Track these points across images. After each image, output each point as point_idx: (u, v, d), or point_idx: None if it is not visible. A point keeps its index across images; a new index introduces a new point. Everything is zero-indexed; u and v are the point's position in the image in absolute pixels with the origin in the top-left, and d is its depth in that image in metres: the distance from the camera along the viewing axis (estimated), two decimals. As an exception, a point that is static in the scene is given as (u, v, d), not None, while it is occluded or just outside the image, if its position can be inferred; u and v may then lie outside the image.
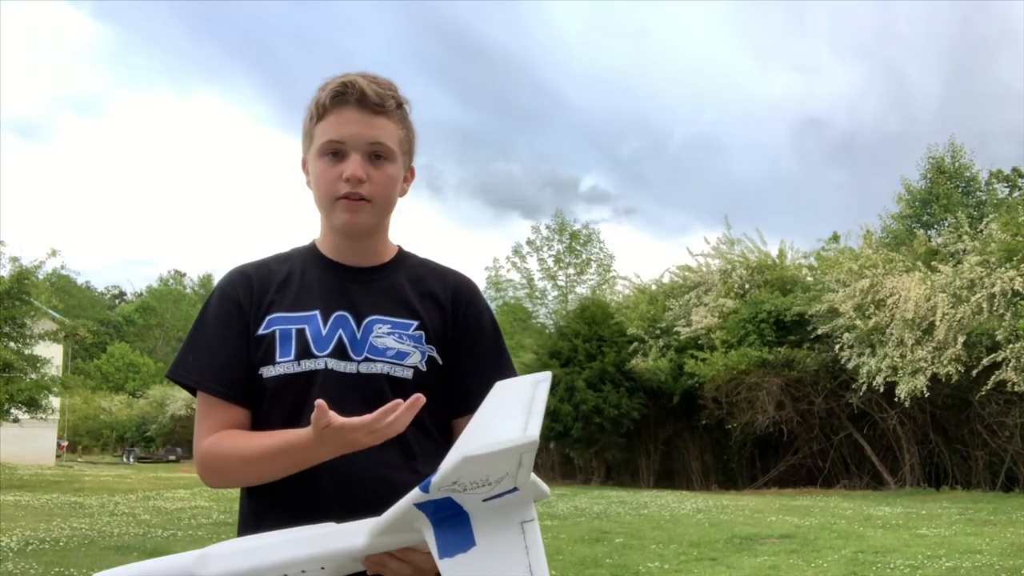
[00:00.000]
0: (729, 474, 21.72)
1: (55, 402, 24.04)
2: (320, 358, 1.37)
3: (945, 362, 15.36)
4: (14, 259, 20.33)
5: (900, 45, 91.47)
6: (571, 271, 38.84)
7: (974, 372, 15.16)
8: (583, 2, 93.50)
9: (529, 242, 39.01)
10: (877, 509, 13.03)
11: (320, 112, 1.40)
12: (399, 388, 1.37)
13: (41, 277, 21.29)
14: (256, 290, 1.43)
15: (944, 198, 25.22)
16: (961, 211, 21.29)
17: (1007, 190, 25.82)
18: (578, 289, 37.61)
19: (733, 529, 10.27)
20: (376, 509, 1.18)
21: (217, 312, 1.43)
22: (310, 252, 1.50)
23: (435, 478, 1.07)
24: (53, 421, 28.41)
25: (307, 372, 1.36)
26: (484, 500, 1.14)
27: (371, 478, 1.34)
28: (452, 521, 1.13)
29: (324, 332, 1.39)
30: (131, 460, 40.79)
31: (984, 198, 25.89)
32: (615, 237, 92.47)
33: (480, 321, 1.51)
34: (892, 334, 16.37)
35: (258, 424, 1.40)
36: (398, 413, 1.20)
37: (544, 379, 1.27)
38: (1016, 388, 14.66)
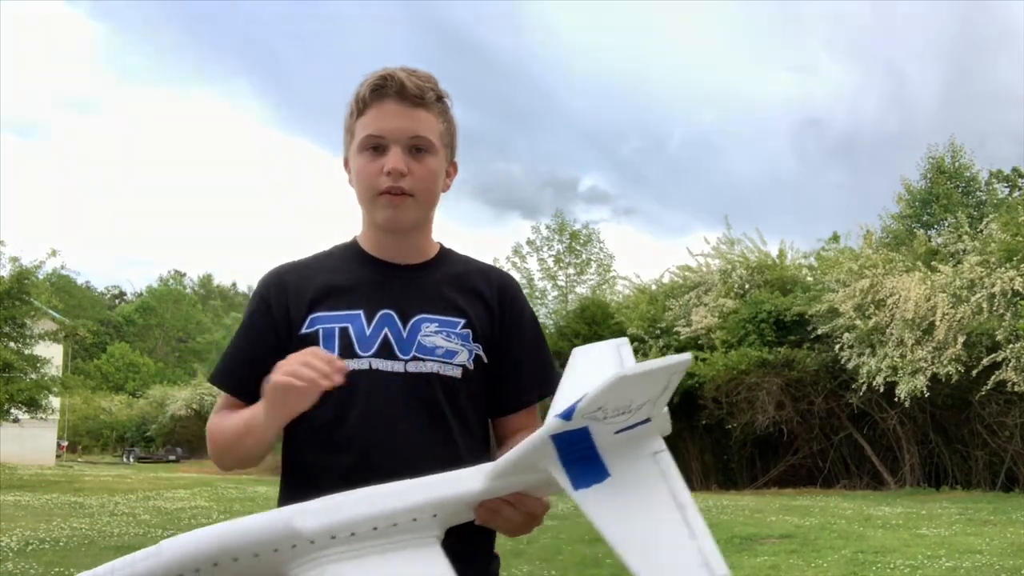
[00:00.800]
0: (729, 474, 21.71)
1: (55, 402, 24.06)
2: (364, 358, 1.35)
3: (945, 362, 15.36)
4: (14, 259, 20.36)
5: (899, 45, 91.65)
6: (571, 271, 38.86)
7: (974, 372, 15.16)
8: (582, 2, 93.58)
9: (529, 242, 39.04)
10: (877, 509, 13.03)
11: (360, 107, 1.39)
12: (448, 387, 1.38)
13: (41, 277, 21.29)
14: (292, 290, 1.41)
15: (944, 198, 25.22)
16: (961, 211, 21.29)
17: (1007, 190, 25.84)
18: (578, 289, 37.64)
19: (733, 529, 10.27)
20: None
21: (249, 315, 1.46)
22: (352, 249, 1.48)
23: (582, 403, 1.05)
24: (53, 421, 28.41)
25: (351, 372, 1.31)
26: (616, 432, 1.12)
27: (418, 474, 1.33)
28: (581, 456, 1.11)
29: (368, 331, 1.37)
30: (131, 460, 40.79)
31: (984, 198, 25.90)
32: (615, 237, 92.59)
33: (523, 319, 1.52)
34: (892, 334, 16.37)
35: (302, 421, 1.32)
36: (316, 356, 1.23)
37: (623, 343, 1.34)
38: (1016, 388, 14.66)
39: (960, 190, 26.07)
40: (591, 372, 1.28)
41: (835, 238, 23.31)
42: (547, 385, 1.47)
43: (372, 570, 1.10)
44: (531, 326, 1.52)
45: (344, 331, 1.36)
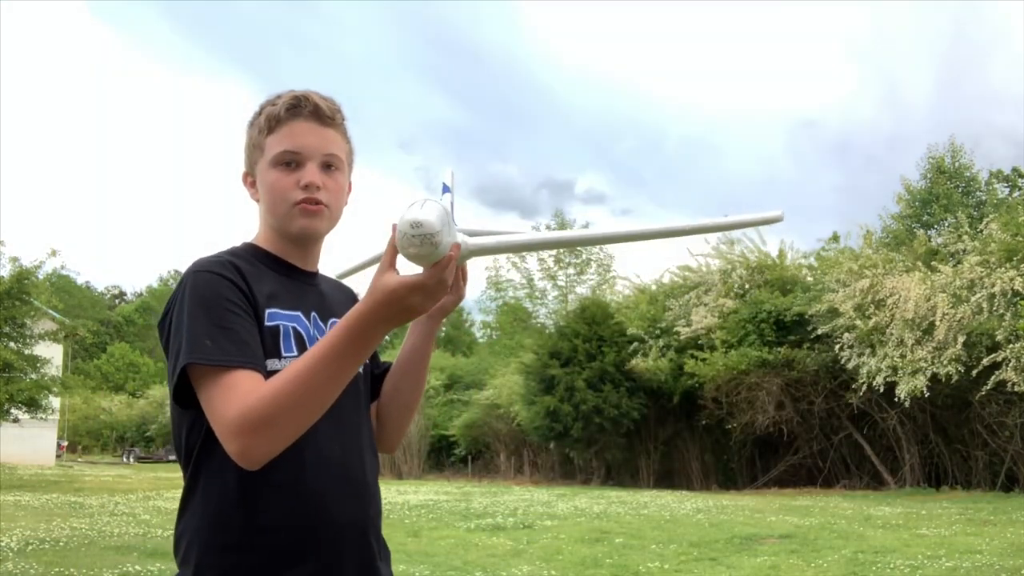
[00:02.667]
0: (729, 474, 21.72)
1: (55, 402, 24.05)
2: None
3: (945, 362, 15.36)
4: (14, 259, 20.35)
5: (893, 47, 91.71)
6: (571, 271, 38.86)
7: (974, 372, 15.16)
8: (578, 3, 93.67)
9: (529, 242, 39.00)
10: (877, 509, 13.03)
11: (272, 124, 1.45)
12: (360, 382, 1.53)
13: (41, 277, 21.27)
14: (252, 284, 1.41)
15: (944, 198, 25.23)
16: (961, 211, 21.31)
17: (1007, 190, 25.83)
18: (578, 289, 37.65)
19: (733, 529, 10.27)
20: (361, 494, 1.40)
21: (229, 296, 1.34)
22: (260, 252, 1.48)
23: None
24: (53, 421, 28.41)
25: None
26: None
27: (355, 462, 1.44)
28: None
29: (311, 332, 1.45)
30: (131, 460, 40.81)
31: (984, 198, 25.89)
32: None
33: None
34: (892, 334, 16.37)
35: None
36: (450, 268, 1.20)
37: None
38: (1016, 388, 14.66)
39: (960, 190, 26.07)
40: None
41: (835, 238, 23.32)
42: (386, 365, 1.69)
43: None
44: None
45: (295, 330, 1.43)
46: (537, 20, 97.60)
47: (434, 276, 1.19)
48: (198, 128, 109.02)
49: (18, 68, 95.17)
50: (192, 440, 1.38)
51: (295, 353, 1.38)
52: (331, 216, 1.48)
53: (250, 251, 1.49)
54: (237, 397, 1.24)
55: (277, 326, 1.40)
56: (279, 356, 1.37)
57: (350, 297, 1.64)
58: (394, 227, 1.19)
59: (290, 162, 1.44)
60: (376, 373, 1.65)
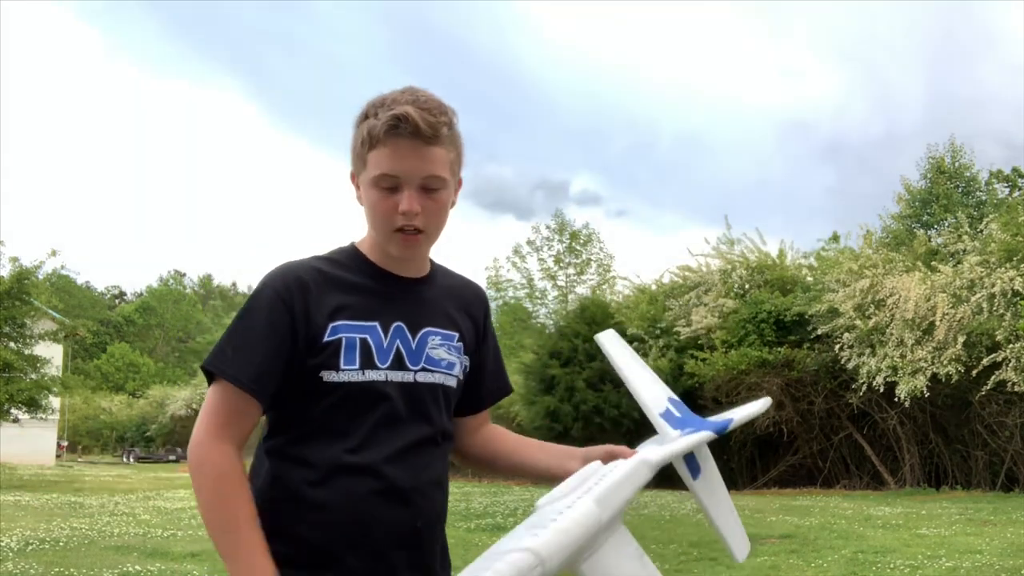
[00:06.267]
0: (729, 474, 21.68)
1: (55, 402, 24.07)
2: (382, 370, 1.44)
3: (945, 362, 15.36)
4: (14, 259, 20.39)
5: (885, 49, 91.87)
6: (571, 271, 38.87)
7: (974, 372, 15.16)
8: (570, 5, 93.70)
9: (529, 242, 39.07)
10: (877, 509, 13.03)
11: (372, 142, 1.43)
12: (446, 396, 1.53)
13: (41, 277, 21.33)
14: (315, 297, 1.43)
15: (944, 198, 25.22)
16: (961, 211, 21.29)
17: (1007, 190, 25.83)
18: (578, 289, 37.65)
19: (733, 529, 10.26)
20: (433, 523, 1.46)
21: (267, 314, 1.42)
22: (357, 257, 1.53)
23: (734, 423, 1.75)
24: (53, 421, 28.44)
25: (369, 382, 1.43)
26: None
27: (433, 488, 1.48)
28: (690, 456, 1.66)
29: (385, 344, 1.46)
30: (131, 460, 40.81)
31: (984, 198, 25.88)
32: (609, 238, 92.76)
33: (491, 330, 1.70)
34: (892, 334, 16.37)
35: (316, 421, 1.43)
36: None
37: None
38: (1016, 388, 14.66)
39: (960, 190, 26.06)
40: (637, 367, 1.87)
41: (835, 238, 23.31)
42: (507, 389, 1.73)
43: (624, 546, 1.29)
44: (495, 336, 1.72)
45: (364, 342, 1.44)
46: (529, 21, 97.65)
47: None
48: (198, 128, 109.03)
49: (18, 68, 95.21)
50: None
51: (356, 365, 1.42)
52: (430, 238, 1.49)
53: (348, 255, 1.53)
54: (226, 431, 1.38)
55: (339, 339, 1.42)
56: (336, 368, 1.41)
57: (476, 296, 1.66)
58: None
59: (390, 186, 1.43)
60: (488, 389, 1.67)
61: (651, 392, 1.80)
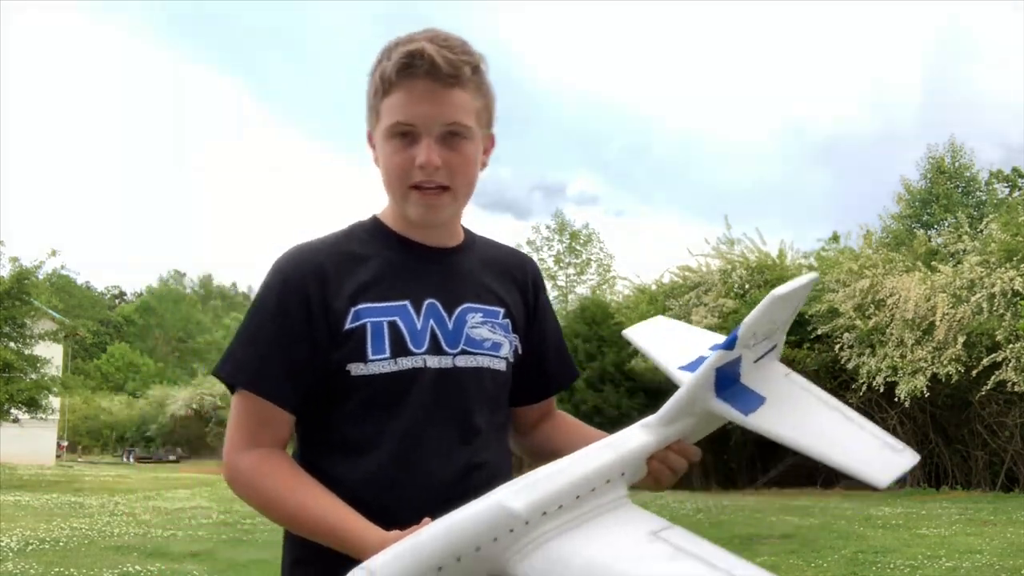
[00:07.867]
0: (729, 474, 21.70)
1: (55, 402, 24.09)
2: (418, 355, 1.24)
3: (945, 362, 15.35)
4: (14, 259, 20.39)
5: (880, 52, 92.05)
6: (571, 271, 38.90)
7: (974, 372, 15.16)
8: (569, 5, 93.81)
9: (529, 242, 39.07)
10: (877, 509, 13.03)
11: (385, 87, 1.23)
12: (494, 382, 1.31)
13: (41, 277, 21.33)
14: (333, 280, 1.24)
15: (944, 198, 25.24)
16: (961, 211, 21.30)
17: (1007, 190, 25.84)
18: (578, 289, 37.66)
19: (733, 529, 10.27)
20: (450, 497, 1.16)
21: (279, 306, 1.24)
22: (378, 229, 1.33)
23: (742, 330, 1.14)
24: (53, 421, 28.42)
25: (406, 371, 1.23)
26: (755, 360, 1.21)
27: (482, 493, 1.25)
28: (731, 389, 1.20)
29: (419, 325, 1.25)
30: (131, 460, 40.80)
31: (984, 198, 25.90)
32: (609, 239, 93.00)
33: (548, 306, 1.47)
34: (892, 334, 16.37)
35: (347, 420, 1.24)
36: None
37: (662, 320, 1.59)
38: (1016, 388, 14.66)
39: (960, 190, 26.09)
40: (674, 339, 1.43)
41: (835, 238, 23.32)
42: (572, 373, 1.48)
43: (593, 539, 1.10)
44: (553, 313, 1.48)
45: (393, 325, 1.23)
46: (524, 23, 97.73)
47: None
48: (198, 128, 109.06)
49: (18, 68, 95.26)
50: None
51: (387, 354, 1.22)
52: (456, 196, 1.28)
53: (370, 228, 1.33)
54: (248, 438, 1.23)
55: (364, 326, 1.22)
56: (364, 360, 1.22)
57: (524, 266, 1.43)
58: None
59: (404, 134, 1.23)
60: (549, 373, 1.44)
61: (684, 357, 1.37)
